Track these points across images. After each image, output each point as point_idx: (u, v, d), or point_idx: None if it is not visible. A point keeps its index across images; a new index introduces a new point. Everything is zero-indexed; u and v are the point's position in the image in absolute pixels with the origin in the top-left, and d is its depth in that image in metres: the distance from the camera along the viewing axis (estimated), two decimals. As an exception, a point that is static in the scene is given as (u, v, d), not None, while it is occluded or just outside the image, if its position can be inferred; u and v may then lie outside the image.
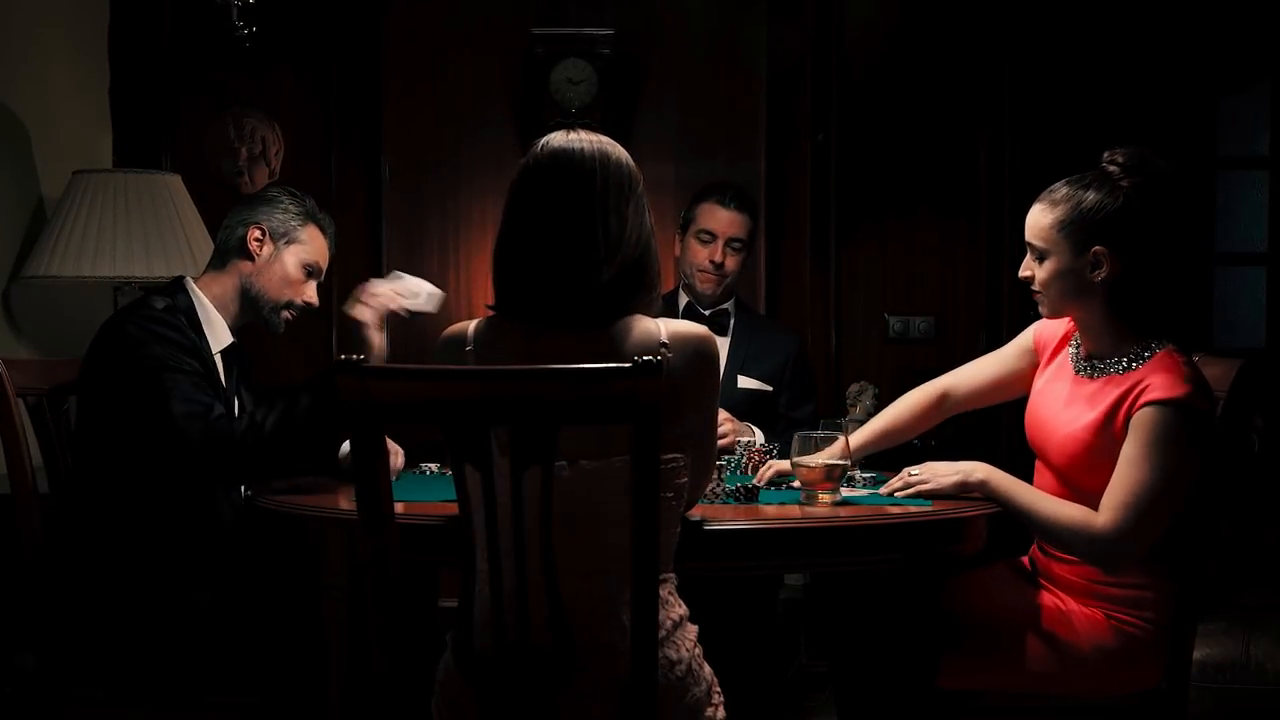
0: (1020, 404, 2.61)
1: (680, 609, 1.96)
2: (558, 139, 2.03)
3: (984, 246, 4.23)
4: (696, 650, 1.95)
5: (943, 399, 2.71)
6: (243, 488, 2.69)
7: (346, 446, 2.74)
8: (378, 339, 2.65)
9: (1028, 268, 2.44)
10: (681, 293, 3.54)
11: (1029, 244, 2.43)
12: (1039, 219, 2.41)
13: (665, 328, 1.98)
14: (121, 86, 4.12)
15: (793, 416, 3.40)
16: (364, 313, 2.69)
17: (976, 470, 2.41)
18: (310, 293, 2.86)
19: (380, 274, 4.21)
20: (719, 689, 1.98)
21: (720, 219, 3.43)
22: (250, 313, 2.81)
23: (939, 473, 2.43)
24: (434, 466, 2.89)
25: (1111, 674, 2.41)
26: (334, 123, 4.22)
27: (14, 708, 2.87)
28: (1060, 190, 2.40)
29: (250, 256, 2.78)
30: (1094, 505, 2.32)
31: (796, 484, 2.45)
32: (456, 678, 1.91)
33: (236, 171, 4.19)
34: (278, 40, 4.14)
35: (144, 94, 4.14)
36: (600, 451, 1.86)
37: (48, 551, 2.60)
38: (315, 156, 4.21)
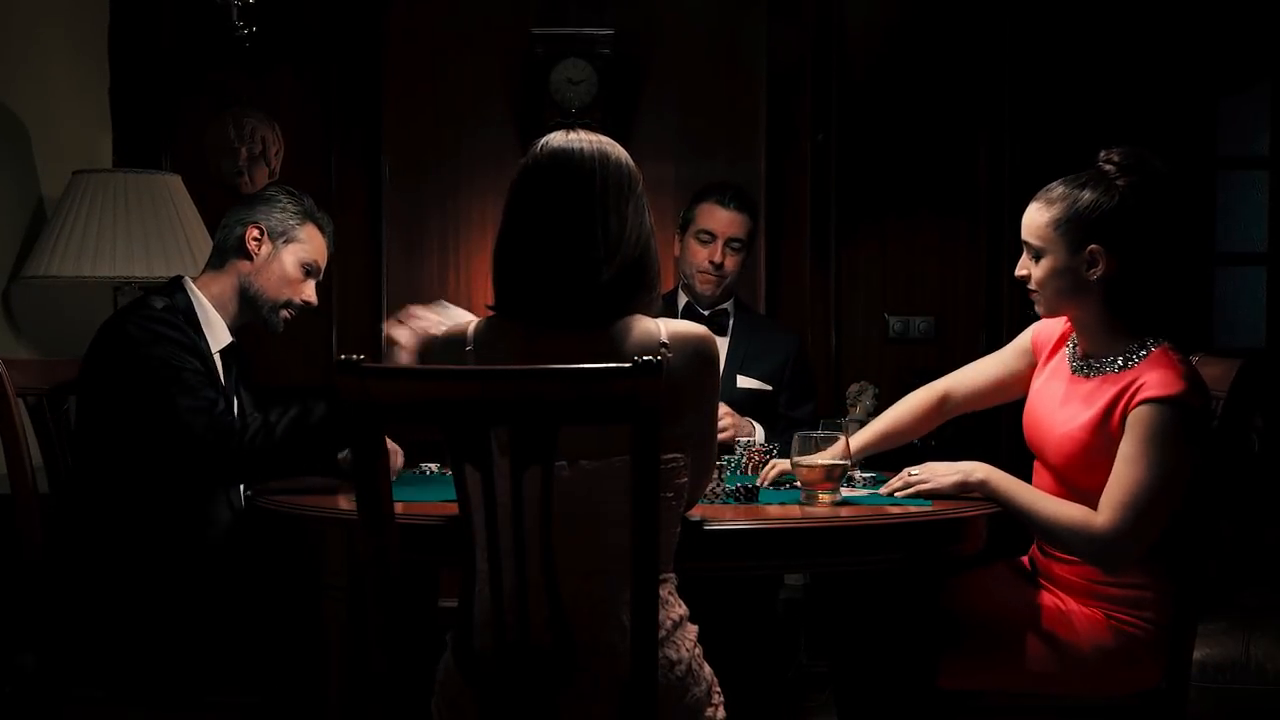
0: (1020, 404, 2.62)
1: (680, 609, 1.96)
2: (557, 139, 2.03)
3: (984, 246, 4.23)
4: (696, 650, 1.95)
5: (943, 401, 2.72)
6: (242, 487, 2.69)
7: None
8: (405, 359, 2.60)
9: (1024, 266, 2.45)
10: (681, 293, 3.53)
11: (1025, 242, 2.43)
12: (1035, 217, 2.41)
13: (665, 328, 1.98)
14: (121, 86, 4.12)
15: (792, 416, 3.40)
16: (402, 334, 2.63)
17: (976, 470, 2.41)
18: (309, 292, 2.86)
19: (380, 274, 4.23)
20: (719, 689, 1.98)
21: (720, 219, 3.43)
22: (249, 312, 2.81)
23: (939, 473, 2.44)
24: (434, 466, 2.89)
25: (1111, 674, 2.41)
26: (334, 123, 4.22)
27: (14, 708, 2.87)
28: (1056, 189, 2.40)
29: (249, 256, 2.78)
30: (1092, 504, 2.32)
31: (798, 484, 2.45)
32: (456, 678, 1.91)
33: (236, 171, 4.19)
34: (278, 40, 4.15)
35: (144, 94, 4.15)
36: (600, 451, 1.86)
37: (48, 551, 2.60)
38: (315, 156, 4.21)
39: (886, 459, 2.76)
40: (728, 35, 4.26)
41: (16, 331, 3.53)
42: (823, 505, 2.36)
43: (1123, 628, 2.39)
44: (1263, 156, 4.42)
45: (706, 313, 3.47)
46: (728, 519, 2.19)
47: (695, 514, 2.16)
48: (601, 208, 1.98)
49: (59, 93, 3.80)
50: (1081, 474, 2.38)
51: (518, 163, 2.06)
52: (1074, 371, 2.46)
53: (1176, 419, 2.26)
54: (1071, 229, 2.36)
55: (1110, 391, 2.35)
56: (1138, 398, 2.29)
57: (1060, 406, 2.44)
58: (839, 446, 2.43)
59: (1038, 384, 2.56)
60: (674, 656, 1.89)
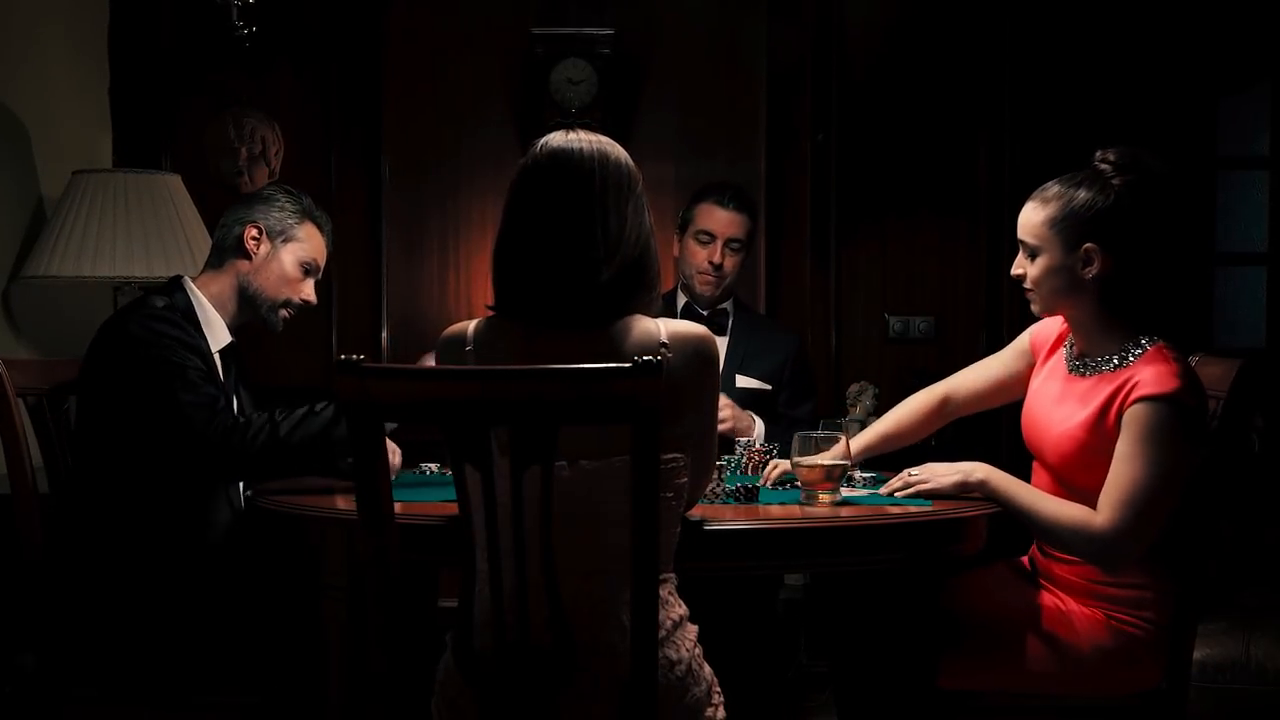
0: (1020, 405, 2.62)
1: (680, 609, 1.96)
2: (557, 139, 2.03)
3: (984, 246, 4.23)
4: (696, 650, 1.95)
5: (944, 403, 2.72)
6: (241, 486, 2.69)
7: None
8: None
9: (1020, 265, 2.46)
10: (680, 293, 3.53)
11: (1021, 241, 2.44)
12: (1031, 216, 2.42)
13: (665, 328, 1.98)
14: (121, 86, 4.13)
15: (792, 415, 3.40)
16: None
17: (976, 470, 2.41)
18: (308, 291, 2.86)
19: (380, 274, 4.23)
20: (719, 689, 1.98)
21: (719, 219, 3.42)
22: (248, 311, 2.81)
23: (939, 473, 2.44)
24: (434, 466, 2.89)
25: (1112, 674, 2.41)
26: (334, 123, 4.22)
27: (14, 708, 2.87)
28: (1052, 188, 2.41)
29: (248, 255, 2.78)
30: (1091, 504, 2.32)
31: (799, 483, 2.45)
32: (456, 678, 1.91)
33: (236, 171, 4.19)
34: (278, 40, 4.15)
35: (144, 94, 4.15)
36: (600, 451, 1.86)
37: (48, 551, 2.59)
38: (315, 156, 4.21)
39: (887, 459, 2.76)
40: (728, 35, 4.26)
41: (16, 331, 3.53)
42: (823, 505, 2.36)
43: (1123, 628, 2.39)
44: (1263, 156, 4.42)
45: (705, 313, 3.47)
46: (728, 519, 2.19)
47: (695, 514, 2.16)
48: (601, 208, 1.98)
49: (59, 93, 3.80)
50: (1079, 473, 2.38)
51: (517, 163, 2.06)
52: (1070, 371, 2.46)
53: (1172, 416, 2.27)
54: (1067, 227, 2.37)
55: (1106, 390, 2.35)
56: (1133, 396, 2.29)
57: (1057, 406, 2.45)
58: (839, 447, 2.43)
59: (1036, 384, 2.56)
60: (674, 656, 1.89)
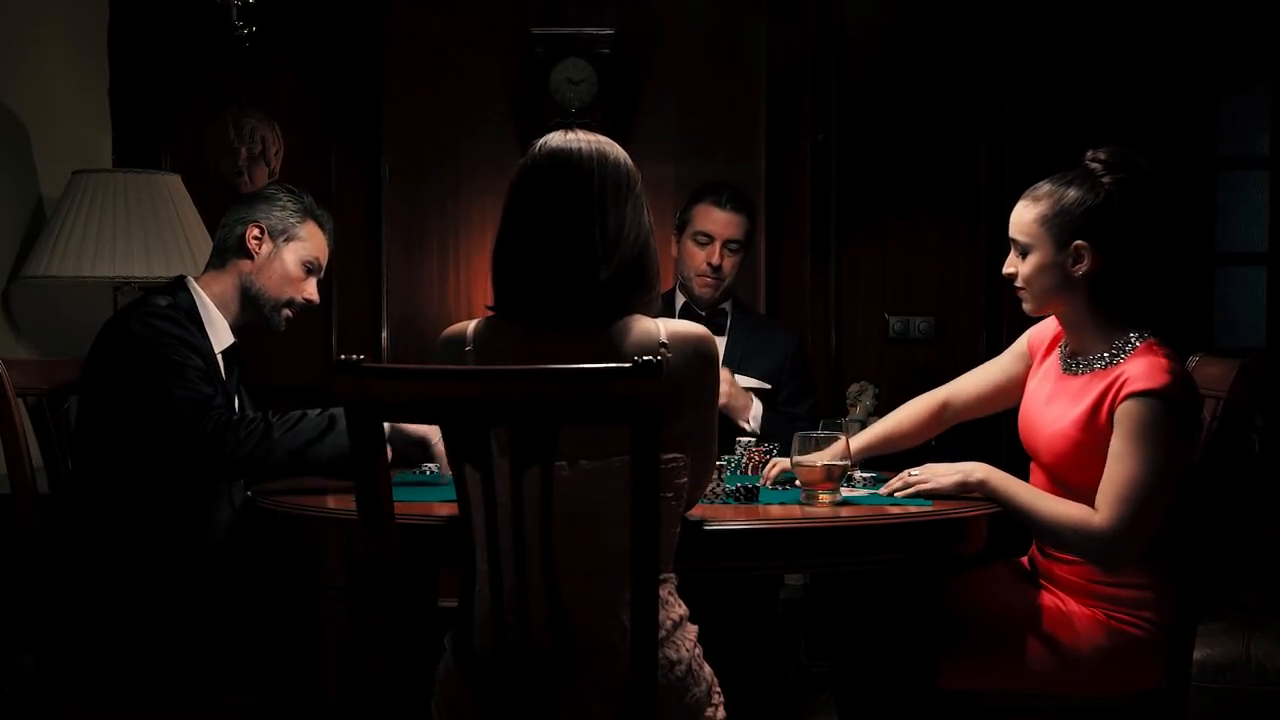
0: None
1: (680, 609, 1.96)
2: (556, 139, 2.03)
3: (984, 246, 4.23)
4: (696, 650, 1.95)
5: (943, 408, 2.72)
6: (242, 484, 2.69)
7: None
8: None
9: (1011, 264, 2.47)
10: (678, 293, 3.53)
11: (1012, 240, 2.45)
12: (1022, 214, 2.44)
13: (665, 327, 1.98)
14: (121, 86, 4.13)
15: (792, 412, 3.40)
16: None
17: (976, 470, 2.41)
18: (310, 290, 2.86)
19: (380, 274, 4.23)
20: (719, 689, 1.98)
21: (717, 220, 3.42)
22: (251, 311, 2.81)
23: (939, 473, 2.44)
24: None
25: (1112, 674, 2.41)
26: (334, 123, 4.22)
27: (14, 708, 2.87)
28: (1043, 187, 2.43)
29: (250, 255, 2.78)
30: (1087, 503, 2.32)
31: (799, 483, 2.45)
32: (456, 678, 1.91)
33: (236, 171, 4.19)
34: (278, 40, 4.15)
35: (144, 94, 4.15)
36: (600, 451, 1.86)
37: (47, 552, 2.59)
38: (315, 156, 4.21)
39: (887, 459, 2.76)
40: (728, 35, 4.26)
41: (16, 331, 3.53)
42: (823, 505, 2.36)
43: (1123, 628, 2.39)
44: (1263, 156, 4.42)
45: (704, 313, 3.47)
46: (728, 519, 2.19)
47: (695, 514, 2.15)
48: (600, 207, 1.98)
49: (59, 93, 3.80)
50: (1073, 472, 2.38)
51: (517, 163, 2.06)
52: (1064, 370, 2.47)
53: (1163, 411, 2.27)
54: (1057, 225, 2.38)
55: (1098, 388, 2.36)
56: (1123, 392, 2.30)
57: (1050, 405, 2.45)
58: (839, 446, 2.43)
59: (1031, 385, 2.56)
60: (674, 656, 1.89)
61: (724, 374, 3.14)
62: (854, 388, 3.93)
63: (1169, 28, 4.19)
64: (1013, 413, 2.63)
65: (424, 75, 4.23)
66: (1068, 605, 2.43)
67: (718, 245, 3.41)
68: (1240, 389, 2.42)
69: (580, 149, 2.00)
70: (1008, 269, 2.47)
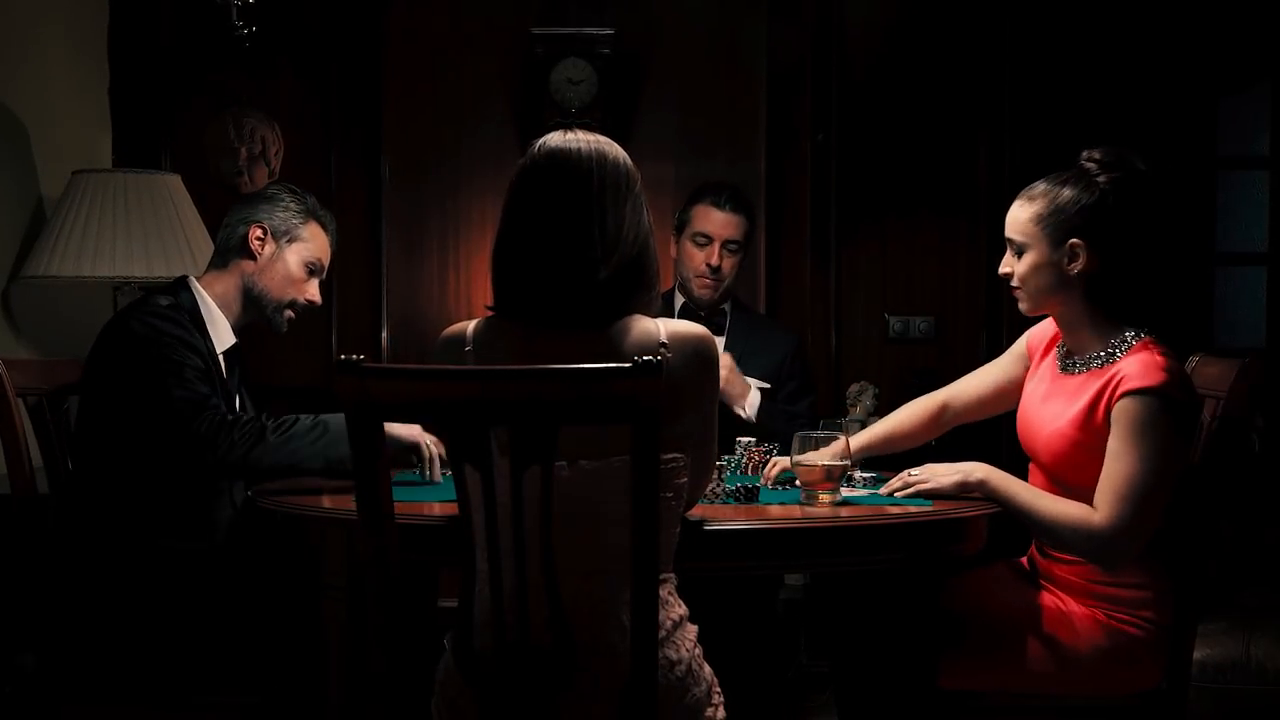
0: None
1: (680, 609, 1.96)
2: (555, 139, 2.03)
3: (984, 246, 4.23)
4: (696, 650, 1.95)
5: (943, 409, 2.73)
6: (242, 484, 2.69)
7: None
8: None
9: (1007, 264, 2.48)
10: (678, 294, 3.53)
11: (1008, 239, 2.46)
12: (1018, 214, 2.45)
13: (664, 327, 1.98)
14: (121, 86, 4.12)
15: (791, 410, 3.40)
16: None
17: (976, 470, 2.42)
18: (313, 291, 2.85)
19: (380, 274, 4.23)
20: (719, 689, 1.98)
21: (716, 221, 3.42)
22: (253, 312, 2.81)
23: (938, 473, 2.44)
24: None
25: (1112, 674, 2.41)
26: (334, 123, 4.22)
27: (14, 708, 2.87)
28: (1039, 187, 2.44)
29: (252, 255, 2.78)
30: (1085, 503, 2.33)
31: (798, 483, 2.45)
32: (456, 678, 1.91)
33: (236, 171, 4.19)
34: (278, 40, 4.15)
35: (144, 94, 4.15)
36: (600, 451, 1.86)
37: (47, 552, 2.59)
38: (315, 156, 4.21)
39: (887, 459, 2.76)
40: (728, 35, 4.26)
41: (16, 331, 3.53)
42: (823, 505, 2.36)
43: (1123, 628, 2.39)
44: (1263, 156, 4.42)
45: (704, 313, 3.47)
46: (728, 519, 2.19)
47: (695, 514, 2.15)
48: (599, 207, 1.98)
49: (59, 93, 3.80)
50: (1071, 471, 2.38)
51: (516, 163, 2.06)
52: (1061, 369, 2.48)
53: (1159, 409, 2.27)
54: (1053, 224, 2.39)
55: (1095, 386, 2.36)
56: (1119, 390, 2.31)
57: (1047, 404, 2.46)
58: (839, 446, 2.43)
59: (1029, 386, 2.57)
60: (674, 656, 1.89)
61: (724, 359, 3.14)
62: (854, 388, 3.93)
63: (1169, 28, 4.19)
64: (1012, 413, 2.63)
65: (424, 75, 4.23)
66: (1068, 605, 2.43)
67: (717, 246, 3.41)
68: (1240, 389, 2.42)
69: (580, 149, 2.00)
70: (1004, 269, 2.48)
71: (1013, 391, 2.64)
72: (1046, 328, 2.59)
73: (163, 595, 2.51)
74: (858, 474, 2.65)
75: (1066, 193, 2.39)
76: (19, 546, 2.60)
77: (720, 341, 3.42)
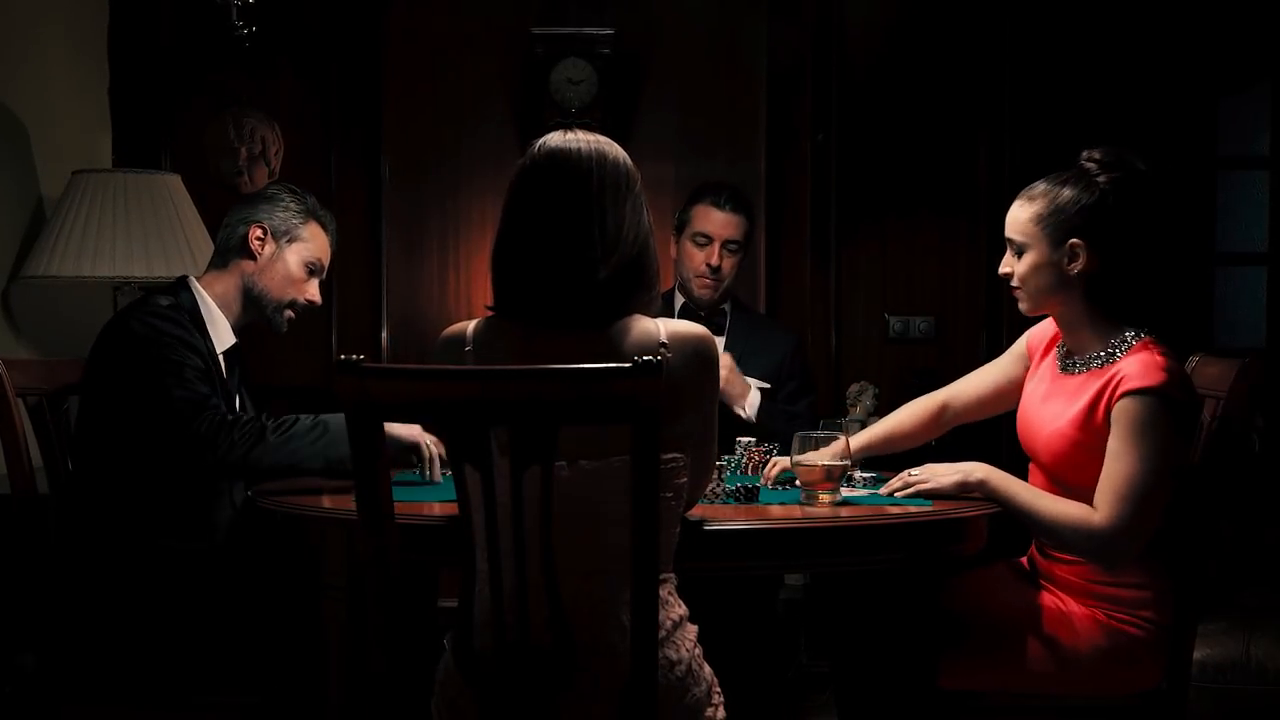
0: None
1: (680, 609, 1.96)
2: (555, 139, 2.03)
3: (984, 246, 4.23)
4: (696, 650, 1.95)
5: (943, 410, 2.73)
6: (243, 484, 2.69)
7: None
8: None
9: (1007, 264, 2.48)
10: (677, 294, 3.53)
11: (1008, 239, 2.47)
12: (1017, 214, 2.45)
13: (664, 328, 1.98)
14: (121, 86, 4.12)
15: (791, 409, 3.40)
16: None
17: (976, 470, 2.42)
18: (313, 291, 2.85)
19: (380, 274, 4.23)
20: (719, 689, 1.98)
21: (715, 221, 3.42)
22: (253, 312, 2.81)
23: (938, 473, 2.44)
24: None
25: (1112, 674, 2.41)
26: (334, 123, 4.22)
27: (14, 708, 2.87)
28: (1039, 187, 2.44)
29: (252, 255, 2.78)
30: (1086, 503, 2.32)
31: (799, 483, 2.45)
32: (456, 678, 1.91)
33: (236, 171, 4.19)
34: (278, 40, 4.15)
35: (144, 94, 4.15)
36: (600, 451, 1.86)
37: (47, 552, 2.59)
38: (315, 156, 4.21)
39: (887, 459, 2.76)
40: (728, 35, 4.26)
41: (16, 331, 3.53)
42: (823, 505, 2.36)
43: (1123, 628, 2.39)
44: (1263, 156, 4.42)
45: (703, 313, 3.47)
46: (728, 519, 2.19)
47: (695, 514, 2.15)
48: (599, 207, 1.98)
49: (59, 93, 3.80)
50: (1071, 471, 2.38)
51: (516, 163, 2.06)
52: (1061, 369, 2.48)
53: (1159, 409, 2.28)
54: (1053, 223, 2.39)
55: (1095, 386, 2.36)
56: (1119, 390, 2.31)
57: (1047, 404, 2.46)
58: (839, 446, 2.43)
59: (1029, 386, 2.57)
60: (674, 656, 1.89)
61: (724, 359, 3.14)
62: (854, 388, 3.93)
63: (1169, 28, 4.19)
64: (1013, 413, 2.63)
65: (424, 75, 4.23)
66: (1068, 605, 2.43)
67: (716, 246, 3.41)
68: (1240, 389, 2.42)
69: (579, 149, 2.00)
70: (1003, 269, 2.49)
71: (1012, 392, 2.64)
72: (1046, 328, 2.59)
73: (163, 595, 2.51)
74: (858, 474, 2.65)
75: (1066, 193, 2.40)
76: (19, 546, 2.60)
77: (720, 341, 3.42)
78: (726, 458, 2.75)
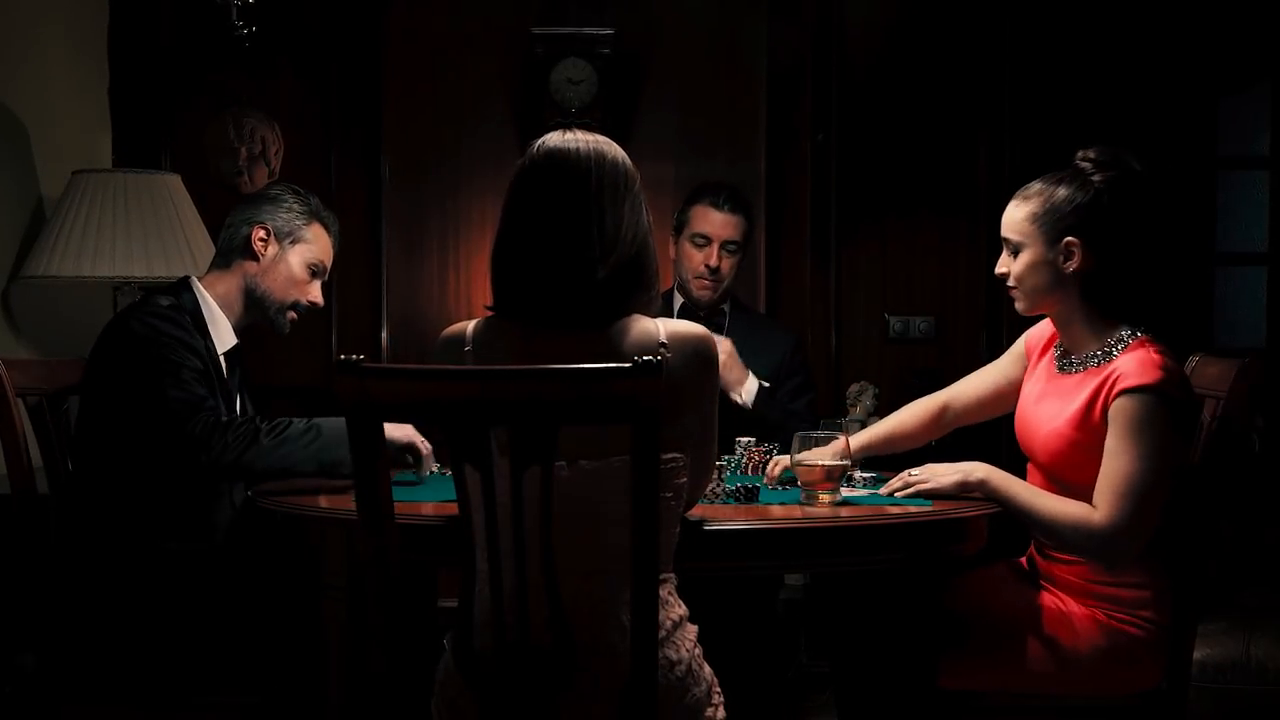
0: (1018, 408, 2.62)
1: (680, 609, 1.96)
2: (554, 139, 2.03)
3: (984, 246, 4.22)
4: (696, 650, 1.95)
5: (943, 410, 2.73)
6: (242, 484, 2.69)
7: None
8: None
9: (1003, 264, 2.49)
10: (676, 294, 3.52)
11: (1004, 239, 2.47)
12: (1013, 213, 2.46)
13: (664, 327, 1.98)
14: (121, 86, 4.12)
15: (791, 408, 3.40)
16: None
17: (976, 470, 2.42)
18: (315, 292, 2.85)
19: (380, 274, 4.23)
20: (719, 689, 1.98)
21: (714, 221, 3.41)
22: (255, 313, 2.81)
23: (939, 473, 2.44)
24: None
25: (1112, 674, 2.41)
26: (334, 123, 4.22)
27: (14, 708, 2.87)
28: (1034, 186, 2.45)
29: (255, 256, 2.77)
30: (1084, 501, 2.33)
31: (799, 483, 2.45)
32: (456, 678, 1.91)
33: (236, 171, 4.19)
34: (278, 40, 4.15)
35: (144, 94, 4.14)
36: (600, 451, 1.86)
37: (47, 552, 2.59)
38: (315, 156, 4.21)
39: (887, 459, 2.76)
40: (728, 35, 4.26)
41: (16, 331, 3.53)
42: (823, 505, 2.36)
43: (1123, 628, 2.39)
44: (1263, 156, 4.42)
45: (703, 313, 3.46)
46: (728, 519, 2.19)
47: (695, 514, 2.15)
48: (597, 207, 1.98)
49: (59, 93, 3.80)
50: (1069, 471, 2.39)
51: (516, 163, 2.06)
52: (1058, 369, 2.48)
53: (1156, 406, 2.28)
54: (1048, 222, 2.40)
55: (1091, 385, 2.36)
56: (1116, 389, 2.31)
57: (1044, 404, 2.46)
58: (839, 446, 2.43)
59: (1027, 386, 2.57)
60: (674, 656, 1.89)
61: (724, 344, 3.13)
62: (854, 388, 3.93)
63: (1169, 28, 4.19)
64: (1013, 414, 2.63)
65: (424, 75, 4.22)
66: (1067, 605, 2.43)
67: (715, 247, 3.40)
68: (1240, 389, 2.42)
69: (578, 149, 2.00)
70: (1000, 269, 2.49)
71: (1012, 393, 2.64)
72: (1045, 328, 2.59)
73: (163, 595, 2.51)
74: (858, 474, 2.65)
75: (1061, 191, 2.40)
76: (19, 546, 2.59)
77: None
78: (726, 458, 2.75)
